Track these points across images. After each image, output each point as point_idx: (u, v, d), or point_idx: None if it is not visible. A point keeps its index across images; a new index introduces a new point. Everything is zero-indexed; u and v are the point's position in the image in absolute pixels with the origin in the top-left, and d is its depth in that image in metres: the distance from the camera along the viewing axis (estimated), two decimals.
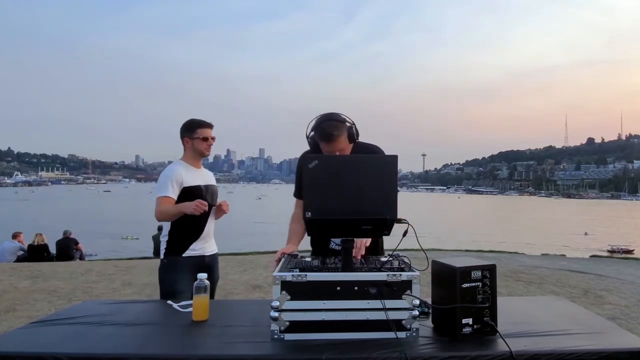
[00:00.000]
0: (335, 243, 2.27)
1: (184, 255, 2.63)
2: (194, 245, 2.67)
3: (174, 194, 2.62)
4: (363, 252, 2.00)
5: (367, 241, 2.06)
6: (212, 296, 2.67)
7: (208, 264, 2.70)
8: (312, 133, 2.15)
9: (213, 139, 2.78)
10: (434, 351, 1.51)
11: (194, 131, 2.72)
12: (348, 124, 2.13)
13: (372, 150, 2.30)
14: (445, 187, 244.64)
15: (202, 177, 2.78)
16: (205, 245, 2.73)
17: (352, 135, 2.14)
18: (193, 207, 2.51)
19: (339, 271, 1.66)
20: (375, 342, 1.53)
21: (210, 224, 2.76)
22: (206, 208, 2.56)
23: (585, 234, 33.85)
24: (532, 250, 14.46)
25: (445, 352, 1.49)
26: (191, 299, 2.02)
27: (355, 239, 1.98)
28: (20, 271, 7.44)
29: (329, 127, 2.07)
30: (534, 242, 25.06)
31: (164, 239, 2.68)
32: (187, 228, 2.66)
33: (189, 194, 2.64)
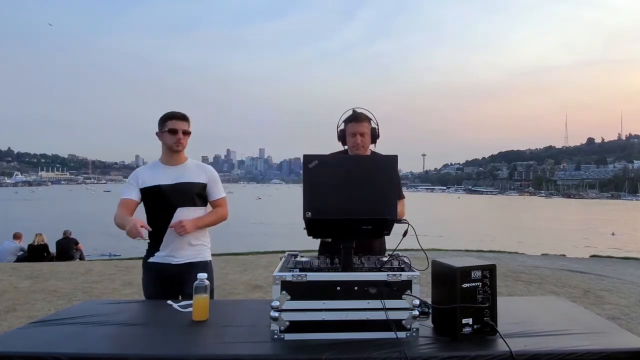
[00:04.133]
0: None
1: (149, 260, 2.48)
2: (158, 253, 2.45)
3: (132, 194, 2.45)
4: None
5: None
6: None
7: (176, 273, 2.41)
8: (342, 125, 2.50)
9: (185, 132, 2.47)
10: (434, 351, 1.51)
11: (163, 124, 2.47)
12: (373, 124, 2.49)
13: None
14: (445, 187, 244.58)
15: (173, 174, 2.47)
16: (172, 254, 2.43)
17: (375, 134, 2.49)
18: (127, 229, 2.21)
19: (339, 271, 1.66)
20: (375, 342, 1.53)
21: (176, 233, 2.40)
22: (142, 235, 2.23)
23: (613, 234, 32.39)
24: (535, 251, 14.43)
25: (445, 352, 1.49)
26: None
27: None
28: (20, 271, 7.44)
29: (359, 111, 2.49)
30: (558, 243, 24.04)
31: None
32: (150, 234, 2.45)
33: (147, 195, 2.46)
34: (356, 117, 2.46)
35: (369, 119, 2.48)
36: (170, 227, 2.39)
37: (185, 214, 2.42)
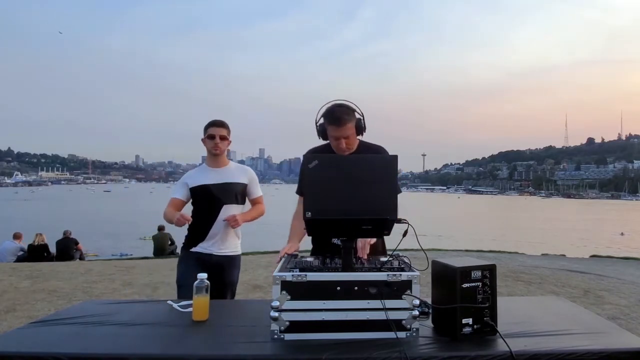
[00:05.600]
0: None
1: (192, 250, 2.73)
2: (202, 244, 2.72)
3: (181, 194, 2.76)
4: (368, 251, 2.00)
5: (372, 240, 2.06)
6: (223, 297, 2.75)
7: (216, 263, 2.72)
8: (322, 120, 2.21)
9: (222, 137, 2.76)
10: (434, 351, 1.51)
11: (205, 131, 2.78)
12: (358, 115, 2.20)
13: (376, 151, 2.34)
14: (445, 187, 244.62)
15: (218, 176, 2.77)
16: (216, 245, 2.73)
17: (360, 126, 2.21)
18: (175, 220, 2.58)
19: (339, 271, 1.66)
20: (375, 342, 1.53)
21: (222, 225, 2.73)
22: (186, 222, 2.59)
23: (622, 234, 31.95)
24: (535, 251, 14.41)
25: (445, 352, 1.49)
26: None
27: (358, 238, 1.99)
28: (20, 271, 7.44)
29: (340, 111, 2.15)
30: (576, 243, 23.85)
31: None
32: (196, 226, 2.74)
33: (195, 194, 2.75)
34: (337, 120, 2.13)
35: (352, 116, 2.16)
36: (225, 220, 2.69)
37: (230, 210, 2.73)
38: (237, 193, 2.80)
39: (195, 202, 2.79)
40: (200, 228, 2.73)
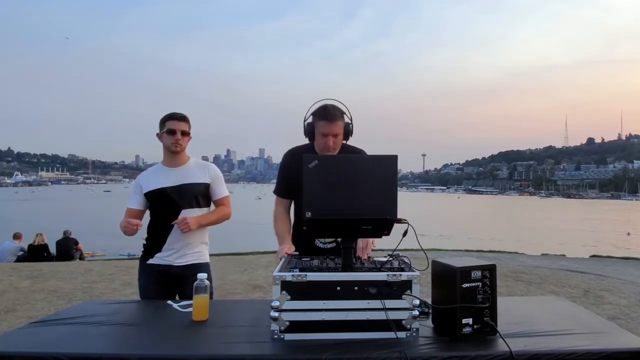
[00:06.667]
0: (321, 242, 2.28)
1: (148, 262, 2.47)
2: (159, 254, 2.45)
3: (136, 203, 2.48)
4: (369, 252, 2.00)
5: (374, 240, 2.06)
6: None
7: (177, 275, 2.42)
8: (311, 118, 2.22)
9: (184, 133, 2.45)
10: (434, 351, 1.51)
11: (162, 124, 2.46)
12: (347, 118, 2.22)
13: (358, 153, 2.33)
14: (445, 187, 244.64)
15: (176, 176, 2.47)
16: (175, 255, 2.44)
17: (348, 130, 2.24)
18: (122, 228, 2.32)
19: (339, 271, 1.66)
20: (375, 342, 1.53)
21: (180, 233, 2.40)
22: (136, 228, 2.30)
23: (628, 234, 32.02)
24: (535, 251, 14.40)
25: (445, 352, 1.49)
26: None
27: (360, 239, 1.99)
28: (20, 271, 7.44)
29: (332, 108, 2.18)
30: (577, 243, 23.87)
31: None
32: (152, 235, 2.49)
33: (151, 199, 2.47)
34: (328, 116, 2.14)
35: (342, 116, 2.18)
36: (174, 223, 2.37)
37: (189, 215, 2.41)
38: (197, 195, 2.47)
39: (151, 209, 2.50)
40: (156, 237, 2.45)
